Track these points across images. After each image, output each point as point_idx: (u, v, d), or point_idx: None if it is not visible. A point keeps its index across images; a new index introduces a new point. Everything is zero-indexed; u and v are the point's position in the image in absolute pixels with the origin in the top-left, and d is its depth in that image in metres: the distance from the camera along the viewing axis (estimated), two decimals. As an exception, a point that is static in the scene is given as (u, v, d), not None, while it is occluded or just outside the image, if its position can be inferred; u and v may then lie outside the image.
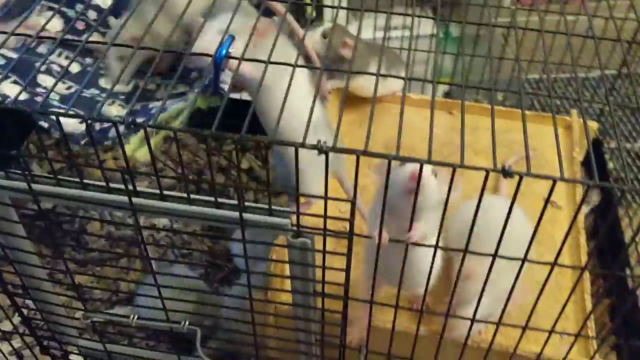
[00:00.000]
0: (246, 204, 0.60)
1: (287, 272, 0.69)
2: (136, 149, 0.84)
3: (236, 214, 0.59)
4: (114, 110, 0.92)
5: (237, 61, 0.59)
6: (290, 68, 0.58)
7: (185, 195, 0.61)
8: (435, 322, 0.79)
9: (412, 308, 0.79)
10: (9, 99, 0.58)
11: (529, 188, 0.53)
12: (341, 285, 0.65)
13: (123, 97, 0.96)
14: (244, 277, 1.15)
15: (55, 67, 0.92)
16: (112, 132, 0.85)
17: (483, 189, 0.53)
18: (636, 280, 1.01)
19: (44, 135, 0.81)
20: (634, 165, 1.39)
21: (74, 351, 0.93)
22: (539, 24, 0.71)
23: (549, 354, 0.73)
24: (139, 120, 0.52)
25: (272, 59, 0.58)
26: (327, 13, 1.41)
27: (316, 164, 0.55)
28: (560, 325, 0.66)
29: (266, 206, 0.60)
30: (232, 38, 0.67)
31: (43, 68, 0.89)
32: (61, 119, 0.54)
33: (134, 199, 0.61)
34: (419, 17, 0.65)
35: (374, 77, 0.58)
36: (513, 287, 0.62)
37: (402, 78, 0.61)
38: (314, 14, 1.14)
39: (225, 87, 0.86)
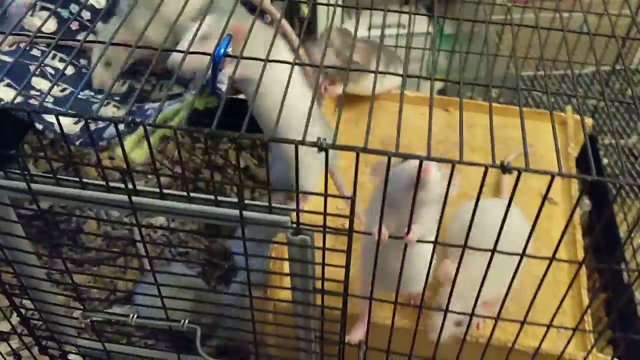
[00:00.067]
0: (246, 201, 0.60)
1: (286, 270, 0.69)
2: (132, 150, 0.84)
3: (236, 212, 0.60)
4: (109, 111, 0.92)
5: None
6: (277, 64, 0.58)
7: (184, 193, 0.61)
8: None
9: (410, 304, 0.80)
10: (3, 102, 0.58)
11: (525, 184, 0.54)
12: (341, 282, 0.65)
13: (118, 98, 0.96)
14: (242, 274, 1.16)
15: (49, 70, 0.91)
16: (107, 133, 0.85)
17: (482, 186, 0.53)
18: (631, 275, 1.02)
19: (39, 137, 0.81)
20: (627, 161, 1.40)
21: (73, 351, 0.93)
22: (534, 20, 0.71)
23: (546, 348, 0.74)
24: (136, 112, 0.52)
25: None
26: (321, 12, 1.41)
27: (312, 157, 0.56)
28: (557, 320, 0.66)
29: (266, 204, 0.60)
30: (230, 37, 0.68)
31: (37, 71, 0.89)
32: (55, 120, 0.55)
33: (134, 198, 0.61)
34: (415, 14, 0.65)
35: (374, 75, 0.58)
36: (511, 284, 0.62)
37: (400, 75, 0.61)
38: (309, 13, 1.14)
39: (223, 87, 0.86)
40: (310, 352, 0.78)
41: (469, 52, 1.20)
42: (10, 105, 0.55)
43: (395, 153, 0.52)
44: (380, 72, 0.60)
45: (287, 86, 0.55)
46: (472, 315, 0.67)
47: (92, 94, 0.94)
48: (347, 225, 0.60)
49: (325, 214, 0.58)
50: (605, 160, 1.41)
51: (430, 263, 0.62)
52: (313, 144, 0.51)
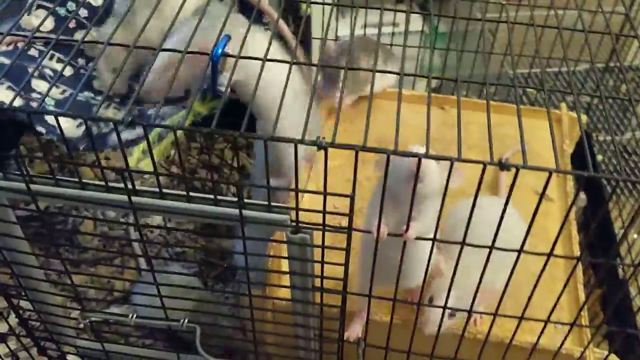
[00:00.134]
0: (245, 200, 0.60)
1: (284, 268, 0.70)
2: (142, 159, 0.84)
3: (235, 210, 0.60)
4: (110, 113, 0.92)
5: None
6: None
7: (184, 193, 0.61)
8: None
9: (408, 301, 0.80)
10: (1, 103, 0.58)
11: (520, 181, 0.54)
12: (340, 279, 0.66)
13: (118, 99, 0.96)
14: (241, 274, 1.16)
15: (47, 71, 0.91)
16: (111, 140, 0.85)
17: (480, 183, 0.53)
18: (627, 270, 1.03)
19: (39, 137, 0.81)
20: (621, 158, 1.41)
21: (71, 351, 0.93)
22: (529, 18, 0.72)
23: (544, 343, 0.74)
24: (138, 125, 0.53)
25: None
26: (315, 12, 1.40)
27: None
28: (554, 316, 0.67)
29: (265, 202, 0.61)
30: (228, 37, 0.68)
31: (36, 73, 0.89)
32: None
33: (133, 198, 0.61)
34: (412, 12, 0.66)
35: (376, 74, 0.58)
36: (508, 281, 0.63)
37: (397, 73, 0.62)
38: (309, 12, 1.14)
39: (223, 88, 0.86)
40: (309, 350, 0.79)
41: (463, 50, 1.21)
42: (10, 107, 0.55)
43: (394, 151, 0.53)
44: (378, 71, 0.60)
45: (285, 86, 0.56)
46: (470, 312, 0.68)
47: (92, 95, 0.94)
48: (344, 223, 0.60)
49: (324, 212, 0.58)
50: (599, 157, 1.42)
51: (429, 259, 0.62)
52: (312, 143, 0.51)
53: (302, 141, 0.51)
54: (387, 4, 0.69)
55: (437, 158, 0.52)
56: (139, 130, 0.83)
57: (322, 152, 0.51)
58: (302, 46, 1.06)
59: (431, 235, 0.60)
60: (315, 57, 1.18)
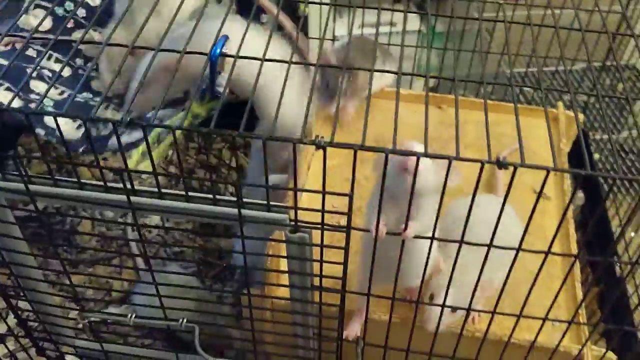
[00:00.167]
0: (244, 200, 0.60)
1: (283, 267, 0.70)
2: (141, 161, 0.84)
3: (234, 210, 0.60)
4: (109, 114, 0.93)
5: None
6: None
7: (183, 193, 0.62)
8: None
9: (407, 299, 0.81)
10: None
11: (518, 179, 0.54)
12: (338, 278, 0.66)
13: (117, 100, 0.96)
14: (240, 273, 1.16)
15: (46, 72, 0.91)
16: (110, 143, 0.86)
17: (478, 181, 0.54)
18: (624, 268, 1.03)
19: (37, 138, 0.81)
20: (618, 156, 1.42)
21: (70, 352, 0.93)
22: (526, 17, 0.72)
23: (542, 341, 0.74)
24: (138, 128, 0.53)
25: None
26: (312, 11, 1.41)
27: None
28: (552, 314, 0.67)
29: (264, 202, 0.61)
30: (226, 38, 0.68)
31: (34, 73, 0.89)
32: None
33: (132, 198, 0.61)
34: (410, 12, 0.66)
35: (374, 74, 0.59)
36: (507, 280, 0.63)
37: (395, 73, 0.62)
38: (306, 11, 1.14)
39: (221, 89, 0.87)
40: (308, 349, 0.79)
41: (461, 49, 1.21)
42: (8, 108, 0.55)
43: (393, 150, 0.53)
44: (376, 70, 0.60)
45: (284, 82, 0.56)
46: (469, 309, 0.68)
47: (91, 96, 0.94)
48: (343, 223, 0.60)
49: (323, 211, 0.58)
50: (596, 156, 1.42)
51: (428, 258, 0.63)
52: (311, 142, 0.52)
53: (301, 140, 0.52)
54: (384, 4, 0.69)
55: (435, 157, 0.53)
56: (137, 134, 0.84)
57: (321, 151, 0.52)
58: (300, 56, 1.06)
59: (430, 234, 0.61)
60: (311, 57, 1.19)
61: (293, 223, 0.61)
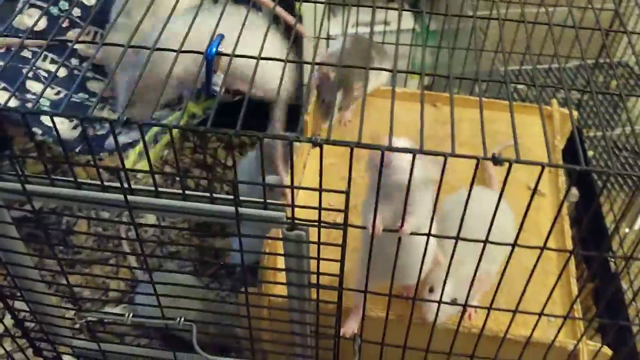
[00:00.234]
0: (241, 198, 0.60)
1: (280, 265, 0.70)
2: (138, 161, 0.84)
3: (231, 208, 0.60)
4: (105, 114, 0.93)
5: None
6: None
7: (180, 191, 0.62)
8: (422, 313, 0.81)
9: (404, 296, 0.81)
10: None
11: (513, 176, 0.55)
12: (335, 276, 0.66)
13: (112, 101, 0.96)
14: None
15: (41, 72, 0.91)
16: (107, 143, 0.86)
17: (474, 178, 0.54)
18: (619, 264, 1.04)
19: (33, 138, 0.81)
20: (612, 153, 1.42)
21: (67, 352, 0.93)
22: (520, 15, 0.73)
23: (538, 337, 0.75)
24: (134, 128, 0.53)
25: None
26: (306, 10, 1.41)
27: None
28: (547, 309, 0.68)
29: (261, 200, 0.61)
30: (222, 36, 0.68)
31: (30, 74, 0.89)
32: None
33: (129, 197, 0.61)
34: (404, 10, 0.66)
35: (371, 74, 0.59)
36: (502, 276, 0.64)
37: (390, 70, 0.62)
38: (301, 10, 1.15)
39: (217, 88, 0.87)
40: (306, 347, 0.79)
41: (455, 47, 1.21)
42: (4, 107, 0.55)
43: (389, 147, 0.53)
44: (371, 69, 0.60)
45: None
46: (465, 305, 0.68)
47: (87, 96, 0.94)
48: (339, 221, 0.60)
49: (320, 208, 0.58)
50: (590, 153, 1.43)
51: (424, 254, 0.63)
52: (308, 140, 0.52)
53: (298, 139, 0.52)
54: (378, 2, 0.69)
55: (431, 154, 0.53)
56: (134, 134, 0.84)
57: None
58: (295, 45, 1.07)
59: (426, 231, 0.61)
60: (305, 56, 1.19)
61: (290, 221, 0.61)
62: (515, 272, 0.72)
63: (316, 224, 0.60)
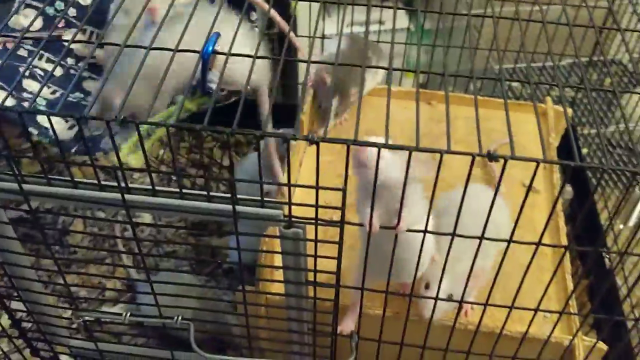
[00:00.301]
0: (238, 196, 0.61)
1: (277, 263, 0.70)
2: (128, 154, 0.84)
3: (229, 206, 0.60)
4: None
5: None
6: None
7: (177, 190, 0.62)
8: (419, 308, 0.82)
9: (400, 293, 0.81)
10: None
11: (508, 173, 0.55)
12: (333, 273, 0.66)
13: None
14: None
15: (38, 71, 0.91)
16: (103, 143, 0.86)
17: (469, 175, 0.54)
18: (613, 259, 1.04)
19: (30, 137, 0.81)
20: (606, 150, 1.43)
21: (65, 352, 0.93)
22: (514, 13, 0.73)
23: (534, 333, 0.75)
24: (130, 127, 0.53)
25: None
26: (300, 9, 1.41)
27: None
28: (543, 305, 0.68)
29: (258, 198, 0.61)
30: (218, 35, 0.68)
31: (26, 73, 0.89)
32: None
33: (126, 196, 0.62)
34: (399, 8, 0.67)
35: (368, 75, 0.59)
36: (498, 272, 0.64)
37: (386, 68, 0.62)
38: (296, 10, 1.15)
39: (213, 85, 0.87)
40: (303, 344, 0.79)
41: (449, 45, 1.22)
42: (1, 107, 0.55)
43: (385, 145, 0.53)
44: (368, 67, 0.61)
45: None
46: (461, 302, 0.69)
47: (82, 96, 0.94)
48: (336, 218, 0.61)
49: (317, 206, 0.59)
50: (584, 150, 1.44)
51: (421, 251, 0.63)
52: (304, 138, 0.52)
53: (294, 137, 0.52)
54: (373, 1, 0.70)
55: (427, 151, 0.53)
56: (125, 134, 0.84)
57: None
58: (289, 44, 1.07)
59: (422, 226, 0.61)
60: (300, 55, 1.19)
61: (287, 219, 0.61)
62: (511, 268, 0.73)
63: (313, 221, 0.60)
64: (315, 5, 1.22)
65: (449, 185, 0.90)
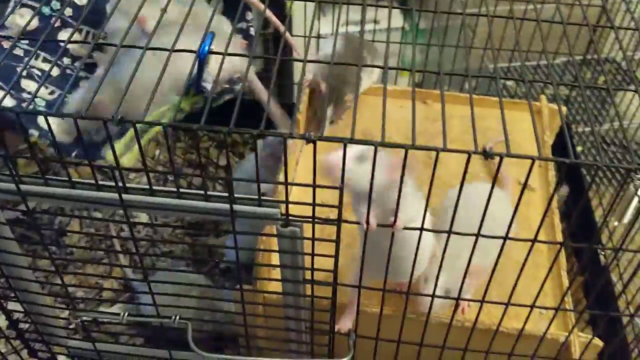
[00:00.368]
0: (235, 195, 0.61)
1: (274, 261, 0.70)
2: (121, 155, 0.84)
3: (226, 205, 0.61)
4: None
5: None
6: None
7: (174, 189, 0.62)
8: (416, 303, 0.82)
9: (398, 290, 0.82)
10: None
11: (503, 171, 0.56)
12: (330, 271, 0.67)
13: None
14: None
15: (35, 71, 0.91)
16: (104, 152, 0.86)
17: (465, 172, 0.55)
18: (608, 256, 1.05)
19: (27, 138, 0.81)
20: (600, 148, 1.44)
21: (62, 352, 0.93)
22: (509, 11, 0.74)
23: (530, 329, 0.76)
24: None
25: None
26: (296, 8, 1.42)
27: None
28: (539, 302, 0.69)
29: (255, 197, 0.61)
30: (213, 35, 0.69)
31: (24, 72, 0.89)
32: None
33: (124, 196, 0.62)
34: (394, 8, 0.67)
35: (363, 74, 0.59)
36: (494, 269, 0.65)
37: (381, 67, 0.63)
38: (292, 9, 1.16)
39: (207, 85, 0.87)
40: (301, 343, 0.80)
41: (444, 44, 1.22)
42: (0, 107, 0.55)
43: (381, 143, 0.54)
44: (364, 66, 0.61)
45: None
46: (458, 299, 0.69)
47: None
48: (333, 217, 0.61)
49: (314, 204, 0.59)
50: (579, 148, 1.44)
51: (417, 249, 0.64)
52: (301, 137, 0.53)
53: (291, 135, 0.53)
54: (368, 0, 0.70)
55: (423, 149, 0.54)
56: (118, 135, 0.84)
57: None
58: (285, 45, 1.07)
59: (417, 226, 0.62)
60: (295, 55, 1.20)
61: (284, 217, 0.62)
62: (507, 265, 0.73)
63: (310, 220, 0.61)
64: (310, 5, 1.22)
65: (445, 183, 0.90)
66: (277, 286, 0.73)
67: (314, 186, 0.57)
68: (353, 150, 0.63)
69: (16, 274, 0.78)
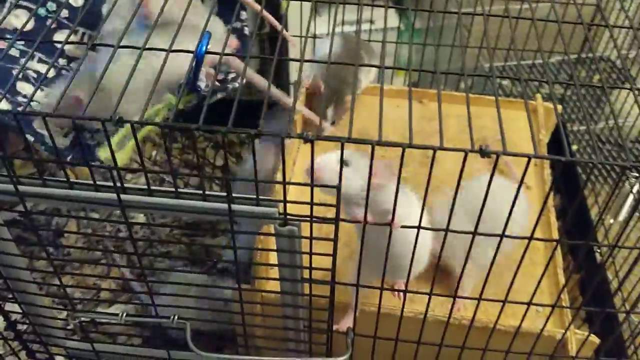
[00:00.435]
0: (233, 194, 0.61)
1: (272, 260, 0.71)
2: (115, 151, 0.83)
3: (224, 205, 0.61)
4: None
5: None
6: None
7: (172, 189, 0.62)
8: (416, 302, 0.83)
9: (395, 289, 0.82)
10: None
11: (499, 169, 0.56)
12: (328, 270, 0.67)
13: None
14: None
15: (30, 73, 0.91)
16: (97, 152, 0.85)
17: (462, 171, 0.55)
18: (604, 254, 1.05)
19: (25, 139, 0.80)
20: (595, 145, 1.45)
21: (61, 353, 0.93)
22: (504, 10, 0.74)
23: (526, 327, 0.76)
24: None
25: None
26: (291, 8, 1.41)
27: None
28: (535, 299, 0.69)
29: (253, 196, 0.62)
30: (210, 35, 0.69)
31: (19, 75, 0.88)
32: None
33: (122, 196, 0.62)
34: (390, 7, 0.67)
35: (361, 74, 0.60)
36: (493, 263, 0.65)
37: (378, 67, 0.63)
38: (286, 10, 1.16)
39: (202, 84, 0.87)
40: (299, 341, 0.80)
41: (440, 44, 1.23)
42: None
43: (379, 142, 0.54)
44: (361, 65, 0.61)
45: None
46: (455, 297, 0.70)
47: None
48: (330, 216, 0.61)
49: (312, 203, 0.59)
50: (574, 147, 1.45)
51: (415, 246, 0.64)
52: (299, 136, 0.53)
53: (289, 135, 0.53)
54: (364, 0, 0.70)
55: (421, 147, 0.54)
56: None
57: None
58: (281, 44, 1.07)
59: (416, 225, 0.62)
60: (291, 54, 1.20)
61: (282, 216, 0.62)
62: (504, 263, 0.74)
63: (308, 219, 0.61)
64: (306, 5, 1.22)
65: (442, 182, 0.91)
66: (275, 285, 0.73)
67: (312, 185, 0.58)
68: (335, 155, 0.64)
69: (14, 275, 0.78)
